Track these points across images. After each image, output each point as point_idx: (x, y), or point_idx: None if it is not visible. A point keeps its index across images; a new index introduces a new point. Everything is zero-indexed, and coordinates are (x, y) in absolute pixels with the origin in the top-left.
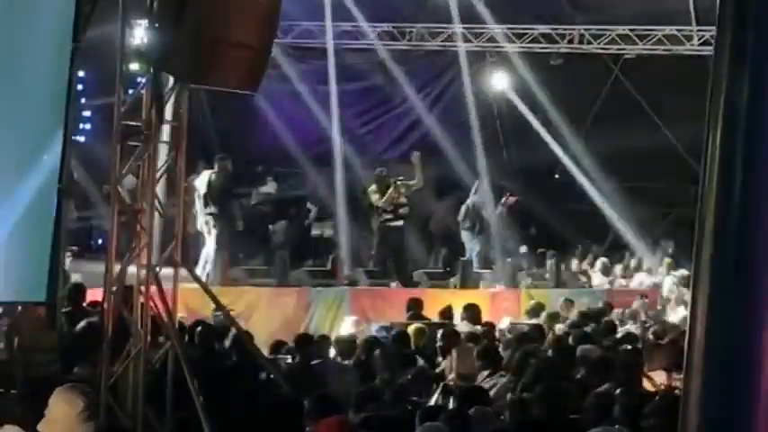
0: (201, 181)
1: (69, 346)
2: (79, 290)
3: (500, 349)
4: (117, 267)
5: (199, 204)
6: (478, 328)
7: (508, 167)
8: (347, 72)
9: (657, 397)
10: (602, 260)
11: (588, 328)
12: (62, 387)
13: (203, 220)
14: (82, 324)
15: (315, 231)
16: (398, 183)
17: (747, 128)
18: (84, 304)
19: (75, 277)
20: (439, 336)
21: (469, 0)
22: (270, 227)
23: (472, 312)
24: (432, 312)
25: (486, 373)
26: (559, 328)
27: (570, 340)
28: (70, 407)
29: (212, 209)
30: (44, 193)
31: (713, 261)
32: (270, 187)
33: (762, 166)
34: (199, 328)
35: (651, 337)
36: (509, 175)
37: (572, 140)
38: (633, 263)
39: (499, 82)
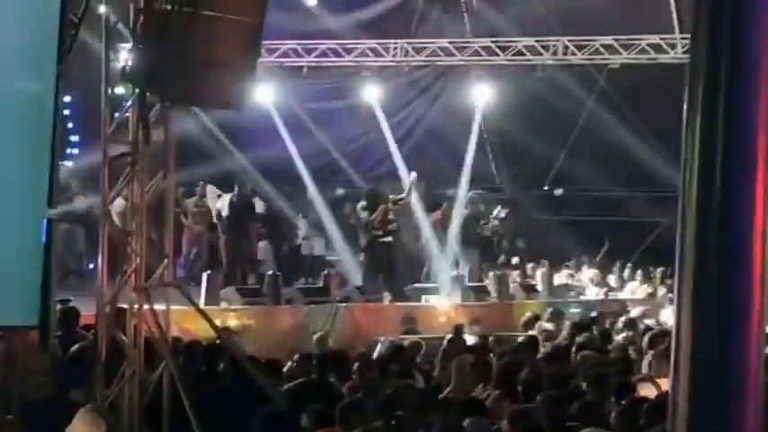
0: (223, 203)
1: (63, 370)
2: (72, 313)
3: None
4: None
5: (221, 226)
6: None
7: (498, 180)
8: (333, 90)
9: (652, 403)
10: (594, 271)
11: (581, 338)
12: (84, 409)
13: (223, 240)
14: (75, 347)
15: (305, 249)
16: (389, 200)
17: (725, 135)
18: (77, 328)
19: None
20: (445, 343)
21: (453, 15)
22: (259, 245)
23: (462, 326)
24: (426, 327)
25: (480, 385)
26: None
27: (566, 350)
28: (94, 428)
29: (232, 230)
30: (33, 218)
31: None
32: (258, 207)
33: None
34: (193, 348)
35: (647, 342)
36: (499, 187)
37: (560, 151)
38: (626, 273)
39: (485, 95)
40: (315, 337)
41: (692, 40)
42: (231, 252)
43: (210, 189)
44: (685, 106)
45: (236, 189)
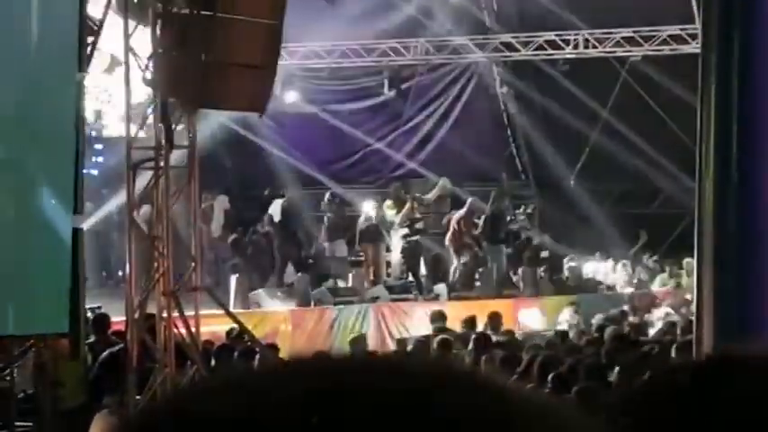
0: (275, 209)
1: (95, 377)
2: (103, 320)
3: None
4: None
5: (274, 230)
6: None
7: (522, 175)
8: (355, 90)
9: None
10: (623, 263)
11: (611, 331)
12: (101, 413)
13: (278, 244)
14: (106, 354)
15: (329, 252)
16: (414, 198)
17: (740, 123)
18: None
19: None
20: (472, 340)
21: (472, 11)
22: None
23: (494, 320)
24: (456, 324)
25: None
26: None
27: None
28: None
29: (283, 235)
30: (59, 225)
31: (716, 251)
32: (278, 208)
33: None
34: (223, 352)
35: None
36: (524, 182)
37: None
38: (653, 265)
39: (507, 91)
40: (349, 338)
41: (703, 29)
42: (284, 255)
43: (221, 198)
44: (699, 94)
45: (286, 195)
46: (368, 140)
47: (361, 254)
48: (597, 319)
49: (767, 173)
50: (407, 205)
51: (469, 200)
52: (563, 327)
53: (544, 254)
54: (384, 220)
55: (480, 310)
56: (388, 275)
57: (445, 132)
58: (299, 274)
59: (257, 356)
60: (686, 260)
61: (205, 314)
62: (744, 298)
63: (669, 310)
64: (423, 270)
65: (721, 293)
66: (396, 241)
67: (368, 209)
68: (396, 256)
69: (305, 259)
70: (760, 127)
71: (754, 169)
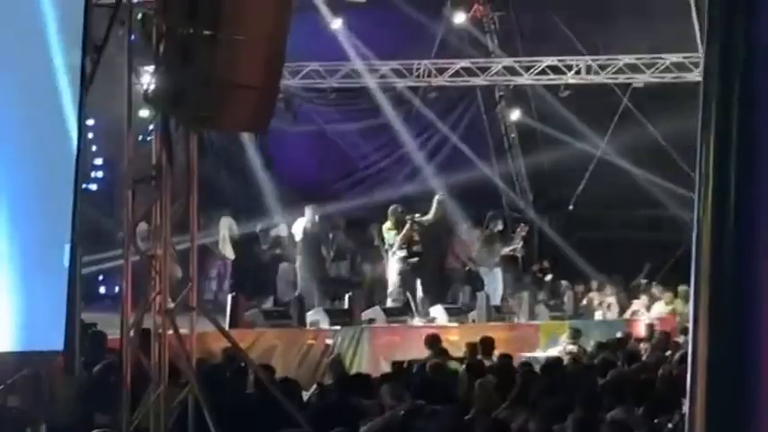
0: (297, 228)
1: (89, 394)
2: (99, 337)
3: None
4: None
5: (296, 250)
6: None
7: (521, 199)
8: (357, 111)
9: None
10: (619, 291)
11: (604, 358)
12: None
13: (300, 262)
14: (100, 371)
15: (332, 272)
16: (414, 220)
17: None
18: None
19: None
20: (462, 370)
21: (476, 34)
22: (282, 267)
23: (487, 345)
24: (452, 349)
25: (503, 405)
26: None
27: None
28: None
29: (306, 255)
30: (57, 243)
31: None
32: (281, 230)
33: (757, 182)
34: (218, 371)
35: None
36: (523, 206)
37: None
38: (656, 292)
39: (509, 115)
40: (326, 360)
41: (705, 61)
42: (307, 275)
43: (225, 218)
44: (699, 125)
45: (308, 214)
46: (368, 161)
47: (359, 275)
48: (593, 346)
49: (765, 205)
50: (406, 227)
51: (464, 225)
52: (559, 352)
53: (542, 278)
54: (383, 242)
55: (476, 335)
56: (385, 297)
57: (446, 155)
58: (296, 294)
59: (250, 376)
60: (681, 287)
61: (201, 332)
62: (739, 328)
63: (664, 337)
64: (420, 292)
65: (716, 324)
66: (394, 263)
67: (368, 230)
68: (393, 277)
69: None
70: (759, 160)
71: (753, 202)
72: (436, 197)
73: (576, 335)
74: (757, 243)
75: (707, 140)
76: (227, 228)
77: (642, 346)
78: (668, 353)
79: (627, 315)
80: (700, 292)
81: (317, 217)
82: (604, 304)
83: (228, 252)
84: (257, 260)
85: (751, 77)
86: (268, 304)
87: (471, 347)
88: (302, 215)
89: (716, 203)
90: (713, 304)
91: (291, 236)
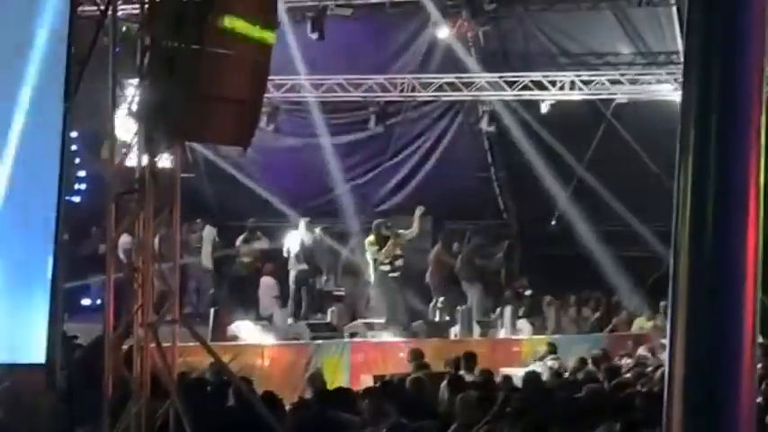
0: (294, 241)
1: (69, 408)
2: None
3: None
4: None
5: (291, 262)
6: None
7: (504, 213)
8: (340, 125)
9: None
10: (601, 304)
11: (584, 374)
12: None
13: (294, 276)
14: (82, 384)
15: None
16: (397, 235)
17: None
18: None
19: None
20: (444, 385)
21: (461, 50)
22: (264, 282)
23: (469, 360)
24: (434, 362)
25: (484, 420)
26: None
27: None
28: None
29: (303, 266)
30: (40, 255)
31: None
32: (263, 243)
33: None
34: (199, 384)
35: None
36: (505, 221)
37: (566, 186)
38: (632, 308)
39: (492, 130)
40: (306, 375)
41: (684, 87)
42: (301, 288)
43: (208, 229)
44: (678, 147)
45: (304, 226)
46: (352, 175)
47: (342, 289)
48: (574, 362)
49: (742, 220)
50: (389, 242)
51: (441, 238)
52: (540, 367)
53: (524, 293)
54: (366, 256)
55: (458, 349)
56: (368, 311)
57: (429, 169)
58: (279, 307)
59: (230, 390)
60: (662, 303)
61: (183, 346)
62: (715, 339)
63: (645, 353)
64: (403, 307)
65: (693, 335)
66: (376, 277)
67: (350, 244)
68: (376, 292)
69: (287, 293)
70: (735, 171)
71: (730, 216)
72: (417, 212)
73: (552, 350)
74: (734, 259)
75: (685, 160)
76: (210, 239)
77: (624, 361)
78: (649, 369)
79: (608, 331)
80: (677, 308)
81: (316, 230)
82: (586, 320)
83: (207, 263)
84: (237, 273)
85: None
86: (250, 318)
87: (454, 362)
88: (294, 228)
89: (694, 218)
90: (690, 319)
91: (273, 249)
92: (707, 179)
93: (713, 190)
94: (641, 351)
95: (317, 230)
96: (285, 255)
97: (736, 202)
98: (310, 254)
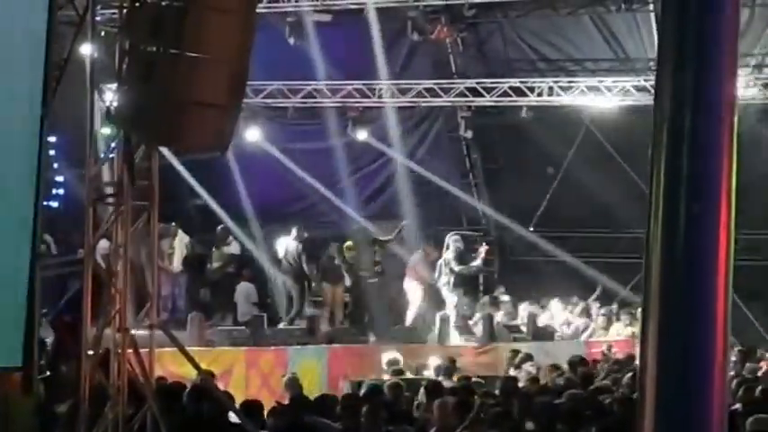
0: (281, 246)
1: (48, 413)
2: (57, 354)
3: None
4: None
5: (282, 268)
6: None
7: (483, 219)
8: (319, 130)
9: None
10: (578, 312)
11: (562, 380)
12: None
13: (281, 281)
14: (60, 390)
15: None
16: (375, 241)
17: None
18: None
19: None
20: (422, 390)
21: (439, 56)
22: (240, 287)
23: (448, 366)
24: (411, 369)
25: (462, 426)
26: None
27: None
28: None
29: (291, 272)
30: (17, 259)
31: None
32: (233, 248)
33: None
34: (177, 390)
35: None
36: (483, 227)
37: (546, 191)
38: (612, 312)
39: (470, 135)
40: (284, 379)
41: (656, 97)
42: (299, 294)
43: (181, 234)
44: (650, 148)
45: (295, 232)
46: (330, 181)
47: (320, 294)
48: (550, 368)
49: (714, 220)
50: (368, 248)
51: (422, 245)
52: (518, 374)
53: (501, 299)
54: (344, 261)
55: (436, 355)
56: (346, 317)
57: (408, 174)
58: (254, 312)
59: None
60: (641, 309)
61: (161, 351)
62: (688, 338)
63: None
64: (381, 313)
65: (665, 334)
66: (354, 283)
67: (329, 250)
68: (354, 297)
69: (264, 297)
70: (708, 172)
71: (702, 216)
72: (402, 223)
73: (527, 358)
74: (706, 258)
75: (658, 161)
76: (183, 243)
77: (600, 367)
78: (627, 375)
79: (584, 337)
80: (649, 307)
81: (305, 234)
82: (563, 325)
83: (180, 268)
84: (209, 278)
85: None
86: (227, 323)
87: (435, 369)
88: (285, 234)
89: (666, 218)
90: (662, 319)
91: (246, 254)
92: (679, 180)
93: (685, 191)
94: (619, 356)
95: (306, 235)
96: (280, 260)
97: (709, 203)
98: (299, 259)
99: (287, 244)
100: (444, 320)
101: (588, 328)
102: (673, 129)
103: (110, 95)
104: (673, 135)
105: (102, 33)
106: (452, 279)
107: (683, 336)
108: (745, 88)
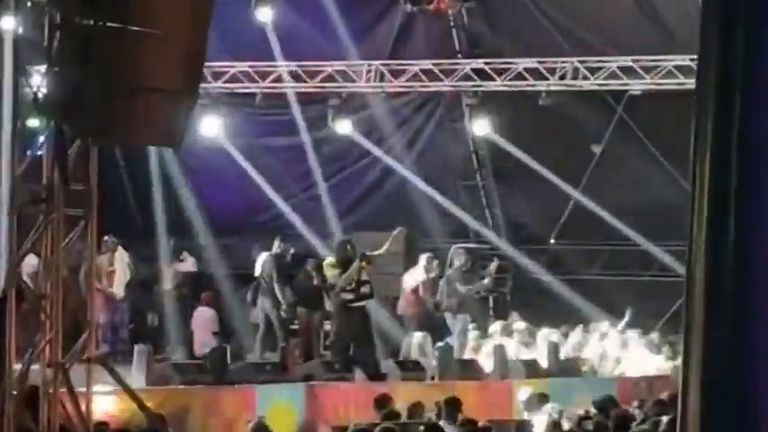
0: (261, 262)
1: None
2: None
3: None
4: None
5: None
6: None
7: (494, 230)
8: (292, 122)
9: None
10: (611, 341)
11: (590, 425)
12: None
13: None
14: None
15: (254, 318)
16: (362, 256)
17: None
18: None
19: None
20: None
21: (439, 30)
22: (195, 311)
23: (452, 408)
24: (405, 410)
25: None
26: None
27: None
28: None
29: (267, 293)
30: None
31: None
32: (188, 264)
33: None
34: None
35: None
36: (495, 239)
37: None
38: (650, 343)
39: (478, 128)
40: (250, 425)
41: (700, 72)
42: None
43: (121, 251)
44: (692, 138)
45: (277, 245)
46: (307, 183)
47: (296, 321)
48: (574, 411)
49: (766, 228)
50: (354, 264)
51: (424, 258)
52: (536, 416)
53: (516, 326)
54: (324, 281)
55: (436, 394)
56: (326, 349)
57: (401, 176)
58: (215, 343)
59: None
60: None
61: (100, 390)
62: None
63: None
64: (368, 344)
65: (710, 341)
66: (336, 307)
67: (304, 267)
68: (336, 325)
69: (227, 325)
70: (760, 174)
71: (753, 226)
72: (395, 232)
73: (546, 398)
74: (758, 262)
75: (702, 156)
76: (124, 262)
77: (636, 409)
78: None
79: (617, 372)
80: (693, 314)
81: (292, 250)
82: (591, 358)
83: (121, 291)
84: (158, 302)
85: (750, 92)
86: (179, 356)
87: (413, 410)
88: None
89: (712, 221)
90: (708, 325)
91: (203, 273)
92: (727, 176)
93: (735, 186)
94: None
95: (292, 250)
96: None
97: (762, 199)
98: (290, 276)
99: (263, 260)
100: (446, 351)
101: (621, 362)
102: (719, 112)
103: (37, 79)
104: (719, 120)
105: (29, 4)
106: (456, 301)
107: (729, 339)
108: None
